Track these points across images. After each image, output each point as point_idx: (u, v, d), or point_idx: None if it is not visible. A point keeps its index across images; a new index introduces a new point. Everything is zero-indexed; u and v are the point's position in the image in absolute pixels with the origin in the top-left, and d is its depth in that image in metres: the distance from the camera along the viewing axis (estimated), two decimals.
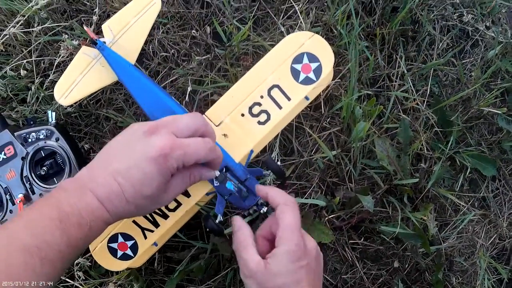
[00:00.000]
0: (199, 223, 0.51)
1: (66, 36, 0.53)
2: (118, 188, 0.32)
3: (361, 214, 0.52)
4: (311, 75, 0.45)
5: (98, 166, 0.33)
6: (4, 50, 0.54)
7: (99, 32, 0.53)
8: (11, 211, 0.46)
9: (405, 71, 0.56)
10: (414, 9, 0.57)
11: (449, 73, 0.59)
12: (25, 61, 0.53)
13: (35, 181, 0.45)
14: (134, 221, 0.45)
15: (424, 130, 0.56)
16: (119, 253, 0.45)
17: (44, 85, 0.53)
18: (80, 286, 0.49)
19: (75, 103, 0.51)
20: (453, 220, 0.57)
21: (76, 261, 0.49)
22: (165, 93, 0.44)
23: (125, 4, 0.47)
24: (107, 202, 0.32)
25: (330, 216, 0.51)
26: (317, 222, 0.51)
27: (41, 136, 0.46)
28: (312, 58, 0.45)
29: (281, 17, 0.55)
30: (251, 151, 0.44)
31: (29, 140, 0.46)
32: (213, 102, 0.47)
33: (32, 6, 0.52)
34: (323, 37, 0.45)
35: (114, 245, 0.45)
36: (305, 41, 0.45)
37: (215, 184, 0.41)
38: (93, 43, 0.44)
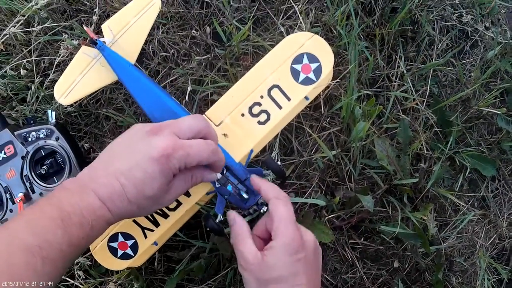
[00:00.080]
0: (199, 222, 0.51)
1: (66, 35, 0.53)
2: (120, 188, 0.32)
3: (361, 214, 0.52)
4: (311, 75, 0.45)
5: (100, 166, 0.33)
6: (4, 49, 0.54)
7: (99, 32, 0.53)
8: (11, 210, 0.46)
9: (405, 71, 0.56)
10: (413, 10, 0.57)
11: (448, 74, 0.59)
12: (25, 60, 0.53)
13: (35, 180, 0.45)
14: (134, 221, 0.45)
15: (423, 130, 0.56)
16: (119, 252, 0.45)
17: (44, 85, 0.53)
18: (80, 286, 0.49)
19: (75, 102, 0.51)
20: (452, 220, 0.57)
21: (76, 260, 0.49)
22: (165, 93, 0.44)
23: (125, 4, 0.47)
24: (109, 202, 0.32)
25: (330, 216, 0.51)
26: (317, 222, 0.51)
27: (41, 135, 0.46)
28: (312, 58, 0.45)
29: (280, 18, 0.55)
30: (251, 151, 0.44)
31: (29, 139, 0.46)
32: (213, 102, 0.47)
33: (32, 6, 0.52)
34: (322, 37, 0.45)
35: (114, 244, 0.45)
36: (305, 41, 0.45)
37: (216, 186, 0.41)
38: (93, 43, 0.44)
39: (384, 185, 0.53)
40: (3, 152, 0.46)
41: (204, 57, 0.53)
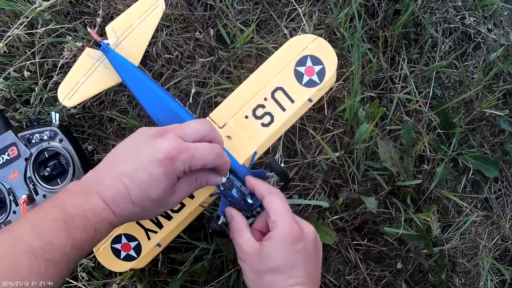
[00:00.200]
0: (203, 224, 0.51)
1: (70, 37, 0.53)
2: (124, 190, 0.32)
3: (365, 215, 0.52)
4: (315, 78, 0.45)
5: (104, 169, 0.33)
6: (7, 51, 0.54)
7: (102, 34, 0.53)
8: (14, 212, 0.46)
9: (408, 74, 0.57)
10: (416, 12, 0.57)
11: (451, 75, 0.59)
12: (28, 62, 0.53)
13: (38, 182, 0.45)
14: (137, 222, 0.45)
15: (426, 132, 0.56)
16: (123, 254, 0.45)
17: (48, 87, 0.53)
18: (83, 287, 0.49)
19: (78, 104, 0.51)
20: (456, 221, 0.57)
21: (80, 262, 0.49)
22: (169, 95, 0.44)
23: (128, 6, 0.47)
24: (113, 204, 0.32)
25: (333, 217, 0.51)
26: (320, 223, 0.51)
27: (45, 137, 0.46)
28: (316, 60, 0.45)
29: (284, 20, 0.55)
30: (255, 153, 0.44)
31: (33, 141, 0.46)
32: (217, 104, 0.47)
33: (35, 8, 0.52)
34: (326, 39, 0.45)
35: (118, 246, 0.45)
36: (308, 44, 0.45)
37: (221, 188, 0.41)
38: (97, 45, 0.44)
39: (387, 187, 0.53)
40: (6, 153, 0.46)
41: (207, 59, 0.53)
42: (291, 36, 0.54)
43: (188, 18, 0.54)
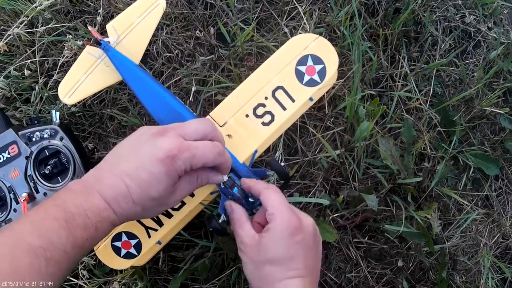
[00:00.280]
0: (203, 222, 0.51)
1: (70, 36, 0.53)
2: (125, 189, 0.32)
3: (365, 213, 0.52)
4: (316, 77, 0.45)
5: (105, 168, 0.33)
6: (8, 50, 0.54)
7: (103, 32, 0.53)
8: (15, 210, 0.46)
9: (408, 72, 0.57)
10: (416, 10, 0.57)
11: (451, 74, 0.59)
12: (29, 61, 0.53)
13: (39, 180, 0.45)
14: (138, 220, 0.45)
15: (427, 130, 0.56)
16: (123, 251, 0.45)
17: (48, 85, 0.53)
18: (84, 285, 0.49)
19: (79, 102, 0.51)
20: (456, 219, 0.57)
21: (80, 260, 0.49)
22: (169, 93, 0.44)
23: (128, 4, 0.47)
24: (114, 203, 0.32)
25: (334, 215, 0.52)
26: (321, 221, 0.51)
27: (45, 135, 0.46)
28: (317, 60, 0.45)
29: (284, 18, 0.55)
30: (255, 152, 0.44)
31: (33, 139, 0.46)
32: (217, 102, 0.47)
33: (36, 7, 0.52)
34: (326, 38, 0.46)
35: (118, 244, 0.45)
36: (309, 43, 0.45)
37: (221, 187, 0.41)
38: (98, 43, 0.44)
39: (388, 184, 0.53)
40: (7, 152, 0.46)
41: (208, 57, 0.53)
42: (291, 34, 0.54)
43: (188, 17, 0.54)
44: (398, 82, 0.56)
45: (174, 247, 0.51)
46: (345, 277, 0.54)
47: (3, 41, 0.53)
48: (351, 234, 0.53)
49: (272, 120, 0.45)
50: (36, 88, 0.53)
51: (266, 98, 0.45)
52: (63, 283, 0.49)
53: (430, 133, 0.56)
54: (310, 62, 0.45)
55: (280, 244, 0.34)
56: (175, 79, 0.53)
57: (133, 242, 0.45)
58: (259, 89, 0.45)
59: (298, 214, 0.36)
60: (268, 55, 0.47)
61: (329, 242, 0.51)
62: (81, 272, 0.49)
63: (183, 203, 0.45)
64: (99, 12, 0.53)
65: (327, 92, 0.53)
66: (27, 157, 0.45)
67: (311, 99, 0.47)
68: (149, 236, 0.45)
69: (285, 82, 0.45)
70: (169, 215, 0.45)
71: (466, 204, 0.57)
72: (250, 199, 0.40)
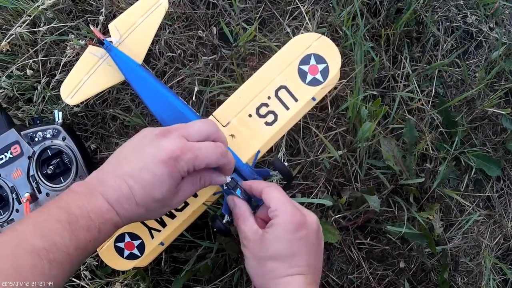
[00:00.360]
0: (206, 222, 0.51)
1: (73, 36, 0.53)
2: (128, 191, 0.32)
3: (367, 214, 0.52)
4: (318, 76, 0.45)
5: (108, 169, 0.33)
6: (10, 49, 0.54)
7: (105, 32, 0.53)
8: (17, 210, 0.45)
9: (410, 72, 0.57)
10: (418, 11, 0.57)
11: (453, 74, 0.59)
12: (31, 60, 0.53)
13: (41, 180, 0.45)
14: (141, 221, 0.45)
15: (429, 131, 0.56)
16: (126, 252, 0.45)
17: (51, 85, 0.53)
18: (86, 286, 0.49)
19: (81, 102, 0.51)
20: (458, 220, 0.57)
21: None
22: (172, 93, 0.44)
23: (131, 4, 0.47)
24: (117, 205, 0.32)
25: (336, 216, 0.51)
26: (323, 222, 0.51)
27: (48, 135, 0.46)
28: (319, 59, 0.45)
29: (286, 18, 0.55)
30: (258, 152, 0.44)
31: (36, 139, 0.46)
32: (220, 102, 0.47)
33: (38, 6, 0.52)
34: (328, 38, 0.45)
35: (121, 245, 0.45)
36: (312, 42, 0.45)
37: (224, 188, 0.41)
38: (100, 43, 0.44)
39: (390, 185, 0.53)
40: (9, 152, 0.45)
41: (210, 57, 0.53)
42: (294, 34, 0.54)
43: (190, 17, 0.54)
44: (400, 82, 0.57)
45: (176, 248, 0.51)
46: (347, 278, 0.54)
47: (5, 41, 0.53)
48: (353, 235, 0.53)
49: (275, 119, 0.45)
50: (39, 87, 0.53)
51: (269, 97, 0.45)
52: (66, 283, 0.49)
53: (432, 134, 0.56)
54: (313, 61, 0.45)
55: (283, 239, 0.34)
56: (177, 79, 0.53)
57: (136, 243, 0.45)
58: (262, 88, 0.45)
59: (302, 211, 0.36)
60: (271, 55, 0.47)
61: (331, 243, 0.51)
62: (83, 273, 0.49)
63: (186, 204, 0.45)
64: (102, 12, 0.53)
65: (329, 93, 0.53)
66: (29, 157, 0.45)
67: (313, 98, 0.47)
68: (152, 237, 0.45)
69: (288, 82, 0.45)
70: (172, 216, 0.45)
71: (468, 205, 0.57)
72: (253, 200, 0.40)
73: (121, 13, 0.46)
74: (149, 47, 0.46)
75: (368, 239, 0.53)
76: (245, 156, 0.44)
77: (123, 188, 0.32)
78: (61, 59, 0.53)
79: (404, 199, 0.54)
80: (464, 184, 0.57)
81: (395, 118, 0.55)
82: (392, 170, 0.52)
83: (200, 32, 0.54)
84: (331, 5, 0.56)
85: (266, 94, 0.45)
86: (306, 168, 0.53)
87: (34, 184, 0.45)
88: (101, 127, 0.54)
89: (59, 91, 0.45)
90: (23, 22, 0.53)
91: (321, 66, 0.45)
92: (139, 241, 0.45)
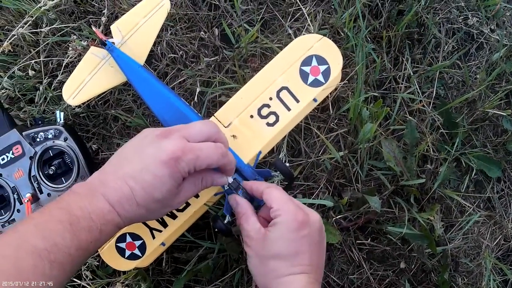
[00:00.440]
0: (207, 223, 0.51)
1: (75, 36, 0.53)
2: (129, 192, 0.32)
3: (368, 214, 0.52)
4: (320, 78, 0.45)
5: (109, 170, 0.34)
6: (12, 50, 0.54)
7: (107, 33, 0.53)
8: (18, 211, 0.46)
9: (411, 73, 0.57)
10: (419, 12, 0.57)
11: (454, 76, 0.59)
12: (33, 61, 0.53)
13: (43, 181, 0.45)
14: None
15: (430, 132, 0.56)
16: (127, 252, 0.45)
17: (52, 86, 0.53)
18: (87, 286, 0.49)
19: (83, 103, 0.51)
20: (458, 221, 0.57)
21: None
22: (174, 94, 0.45)
23: (133, 5, 0.47)
24: (118, 206, 0.32)
25: (337, 217, 0.52)
26: (324, 223, 0.51)
27: (50, 136, 0.46)
28: (321, 60, 0.45)
29: (288, 20, 0.55)
30: (259, 152, 0.45)
31: (38, 139, 0.46)
32: (221, 103, 0.48)
33: (40, 7, 0.52)
34: (330, 39, 0.46)
35: (122, 245, 0.45)
36: (314, 43, 0.45)
37: (225, 188, 0.41)
38: (102, 44, 0.44)
39: (391, 186, 0.53)
40: (11, 152, 0.45)
41: (212, 58, 0.53)
42: (295, 36, 0.54)
43: (192, 18, 0.55)
44: (402, 84, 0.57)
45: (177, 248, 0.51)
46: (348, 279, 0.54)
47: (7, 41, 0.53)
48: (354, 236, 0.53)
49: (277, 120, 0.45)
50: (40, 88, 0.53)
51: (270, 98, 0.45)
52: (66, 284, 0.49)
53: (433, 135, 0.56)
54: (314, 62, 0.45)
55: (286, 238, 0.34)
56: (179, 80, 0.53)
57: (138, 243, 0.45)
58: (264, 89, 0.45)
59: (304, 209, 0.36)
60: (272, 56, 0.47)
61: (332, 243, 0.51)
62: (84, 273, 0.49)
63: (188, 204, 0.45)
64: (104, 13, 0.53)
65: (330, 94, 0.53)
66: (31, 158, 0.45)
67: (315, 100, 0.47)
68: (154, 237, 0.45)
69: (289, 83, 0.45)
70: (173, 216, 0.45)
71: (468, 206, 0.57)
72: (254, 200, 0.40)
73: (123, 14, 0.46)
74: (151, 48, 0.46)
75: (369, 240, 0.54)
76: (246, 157, 0.44)
77: (124, 189, 0.32)
78: (63, 60, 0.53)
79: (404, 200, 0.54)
80: (465, 185, 0.57)
81: (396, 120, 0.55)
82: (393, 171, 0.52)
83: (202, 34, 0.54)
84: (332, 7, 0.56)
85: (268, 95, 0.45)
86: (307, 169, 0.53)
87: (35, 185, 0.45)
88: (102, 127, 0.54)
89: (60, 91, 0.45)
90: (25, 23, 0.53)
91: (322, 68, 0.45)
92: (140, 242, 0.45)
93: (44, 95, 0.53)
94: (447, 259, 0.56)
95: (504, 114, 0.57)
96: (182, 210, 0.45)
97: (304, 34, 0.52)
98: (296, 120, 0.49)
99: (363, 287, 0.54)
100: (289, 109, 0.45)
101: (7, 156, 0.45)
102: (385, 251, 0.54)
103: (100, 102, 0.54)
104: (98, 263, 0.50)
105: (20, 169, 0.45)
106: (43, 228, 0.29)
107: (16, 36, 0.53)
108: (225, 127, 0.45)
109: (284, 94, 0.45)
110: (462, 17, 0.60)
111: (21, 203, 0.45)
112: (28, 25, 0.53)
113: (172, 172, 0.32)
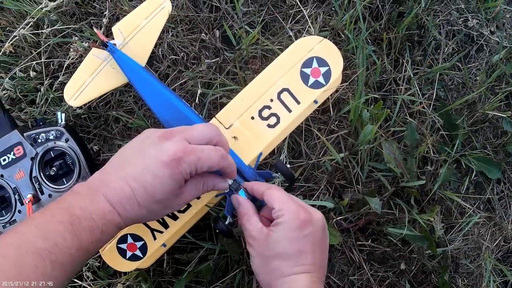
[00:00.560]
0: (208, 224, 0.52)
1: (76, 38, 0.53)
2: (130, 192, 0.32)
3: (369, 216, 0.52)
4: (321, 79, 0.46)
5: (110, 171, 0.34)
6: (13, 51, 0.54)
7: (108, 35, 0.53)
8: (19, 211, 0.46)
9: (412, 75, 0.57)
10: (420, 14, 0.58)
11: (454, 77, 0.60)
12: (34, 62, 0.53)
13: (44, 182, 0.45)
14: (143, 222, 0.45)
15: (430, 133, 0.56)
16: (128, 253, 0.45)
17: (54, 87, 0.53)
18: (88, 287, 0.49)
19: (84, 104, 0.51)
20: (459, 222, 0.57)
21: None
22: (175, 95, 0.45)
23: (134, 7, 0.47)
24: (119, 206, 0.32)
25: (338, 218, 0.52)
26: None
27: (51, 137, 0.46)
28: (322, 62, 0.46)
29: (289, 22, 0.55)
30: (260, 154, 0.45)
31: (39, 140, 0.46)
32: (222, 105, 0.48)
33: (41, 8, 0.53)
34: (330, 41, 0.46)
35: (123, 246, 0.45)
36: (314, 45, 0.46)
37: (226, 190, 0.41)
38: (104, 45, 0.44)
39: (391, 188, 0.53)
40: (12, 153, 0.46)
41: (213, 60, 0.54)
42: (296, 38, 0.54)
43: (194, 20, 0.55)
44: (402, 85, 0.57)
45: (178, 249, 0.51)
46: (348, 280, 0.54)
47: (8, 42, 0.53)
48: (354, 237, 0.53)
49: (278, 122, 0.45)
50: (42, 89, 0.53)
51: (271, 100, 0.45)
52: (67, 285, 0.49)
53: (433, 137, 0.56)
54: (315, 64, 0.45)
55: (289, 237, 0.34)
56: (180, 82, 0.54)
57: (139, 244, 0.45)
58: (265, 91, 0.45)
59: (307, 208, 0.36)
60: (273, 58, 0.47)
61: (332, 245, 0.51)
62: (85, 274, 0.49)
63: (189, 206, 0.45)
64: (105, 14, 0.53)
65: (331, 96, 0.53)
66: (32, 159, 0.45)
67: (315, 101, 0.47)
68: (155, 239, 0.45)
69: (290, 84, 0.45)
70: (174, 218, 0.45)
71: (468, 207, 0.57)
72: (257, 201, 0.41)
73: (124, 15, 0.46)
74: (152, 49, 0.46)
75: (369, 241, 0.54)
76: (247, 158, 0.44)
77: (125, 190, 0.32)
78: (64, 61, 0.53)
79: (405, 201, 0.54)
80: (465, 187, 0.58)
81: (396, 121, 0.56)
82: (393, 172, 0.52)
83: (203, 35, 0.54)
84: (333, 8, 0.56)
85: (269, 97, 0.45)
86: (308, 171, 0.53)
87: (36, 185, 0.45)
88: (103, 129, 0.54)
89: (62, 93, 0.45)
90: (27, 24, 0.53)
91: (323, 69, 0.46)
92: (141, 243, 0.45)
93: (45, 96, 0.53)
94: (447, 260, 0.56)
95: (504, 115, 0.58)
96: (183, 211, 0.45)
97: (304, 36, 0.53)
98: (297, 122, 0.49)
99: None
100: (290, 111, 0.45)
101: (8, 157, 0.45)
102: (386, 252, 0.54)
103: (101, 104, 0.54)
104: (99, 264, 0.50)
105: (21, 170, 0.46)
106: (44, 229, 0.29)
107: (17, 37, 0.53)
108: (226, 128, 0.45)
109: (285, 96, 0.45)
110: (462, 19, 0.60)
111: (22, 203, 0.45)
112: (30, 26, 0.53)
113: (173, 173, 0.32)
